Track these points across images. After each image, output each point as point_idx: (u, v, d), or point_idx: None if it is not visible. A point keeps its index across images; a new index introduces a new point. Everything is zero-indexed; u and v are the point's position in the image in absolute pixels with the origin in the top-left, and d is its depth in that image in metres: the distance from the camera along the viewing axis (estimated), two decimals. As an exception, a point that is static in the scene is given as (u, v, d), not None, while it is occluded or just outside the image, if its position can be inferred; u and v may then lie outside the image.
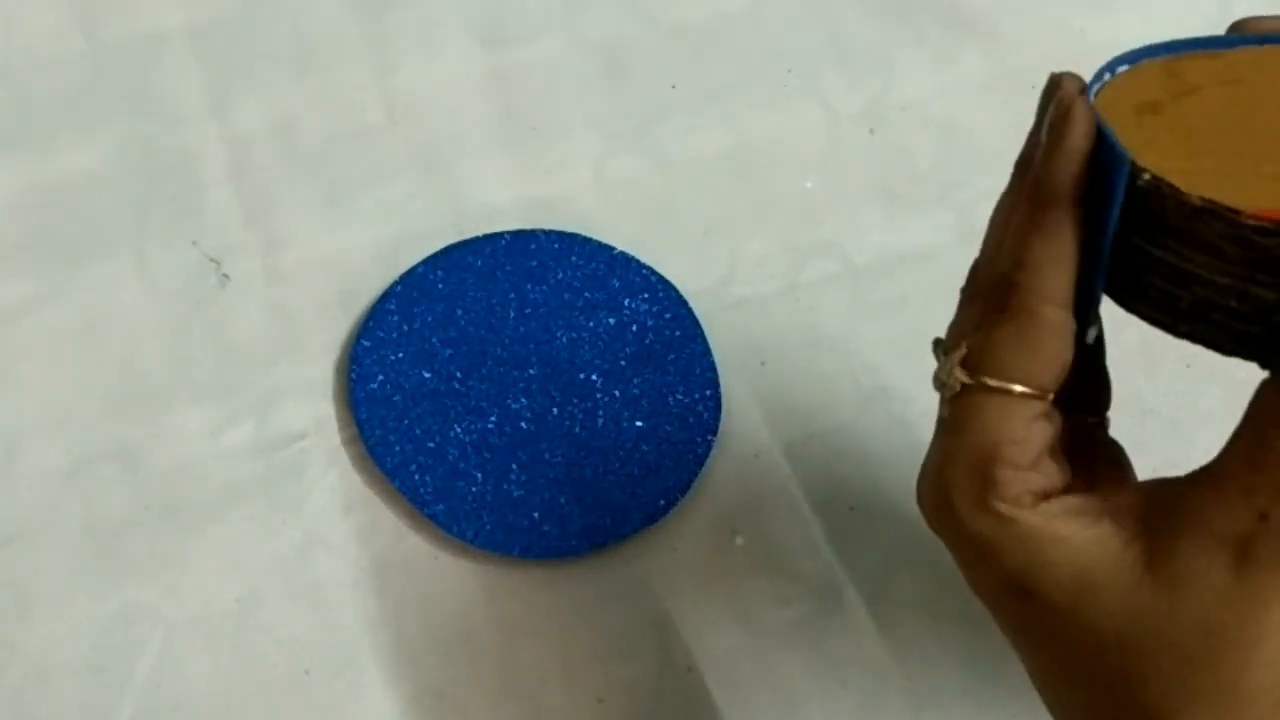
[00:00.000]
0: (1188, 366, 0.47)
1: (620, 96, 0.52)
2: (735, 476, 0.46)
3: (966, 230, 0.48)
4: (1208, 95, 0.29)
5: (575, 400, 0.45)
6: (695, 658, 0.43)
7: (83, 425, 0.45)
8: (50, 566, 0.43)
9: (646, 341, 0.47)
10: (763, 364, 0.47)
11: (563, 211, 0.49)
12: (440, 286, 0.47)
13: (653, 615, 0.44)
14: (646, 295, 0.47)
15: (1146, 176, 0.26)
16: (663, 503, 0.44)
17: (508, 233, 0.48)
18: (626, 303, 0.47)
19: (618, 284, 0.47)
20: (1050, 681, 0.29)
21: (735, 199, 0.50)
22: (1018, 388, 0.28)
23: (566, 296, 0.47)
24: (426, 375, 0.46)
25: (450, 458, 0.44)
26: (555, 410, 0.45)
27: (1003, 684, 0.43)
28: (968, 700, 0.43)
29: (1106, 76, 0.29)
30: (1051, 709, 0.29)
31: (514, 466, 0.44)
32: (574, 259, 0.48)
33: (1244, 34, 0.30)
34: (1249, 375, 0.26)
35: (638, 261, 0.48)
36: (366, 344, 0.46)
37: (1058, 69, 0.28)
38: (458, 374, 0.46)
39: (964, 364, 0.28)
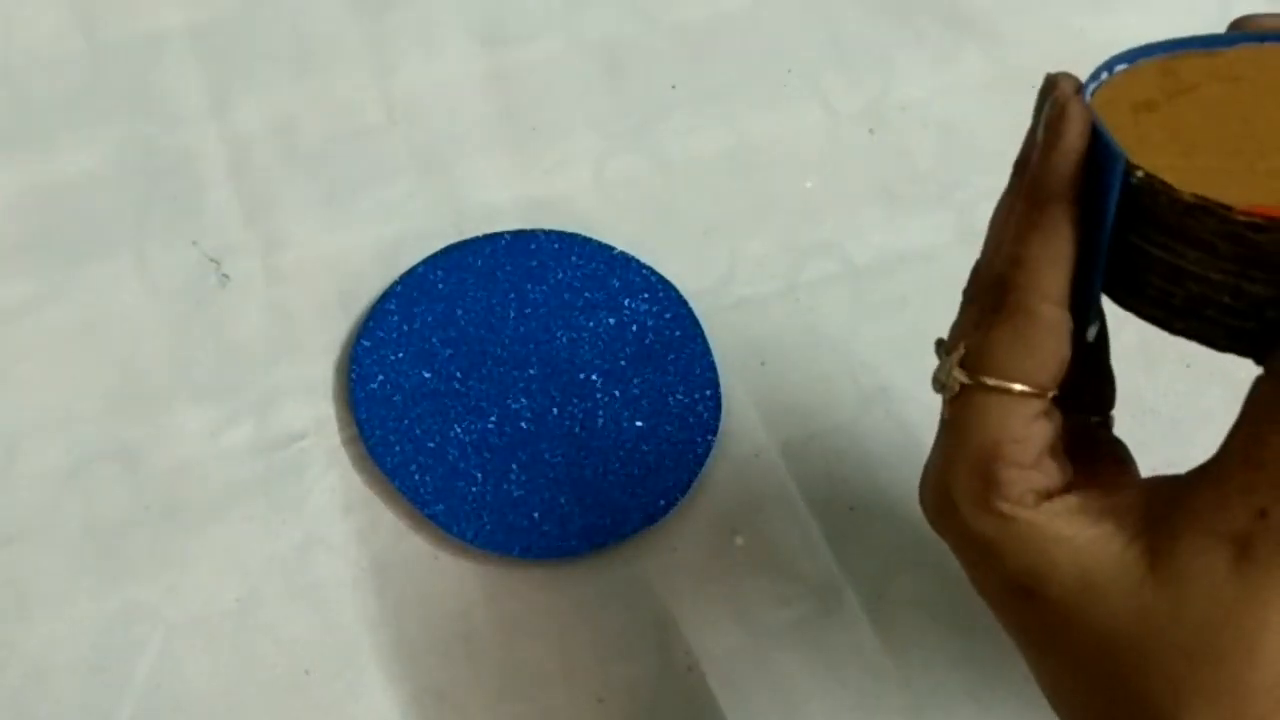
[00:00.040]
0: (1188, 366, 0.47)
1: (620, 96, 0.52)
2: (735, 476, 0.46)
3: (966, 230, 0.48)
4: (1204, 93, 0.29)
5: (575, 400, 0.45)
6: (695, 658, 0.43)
7: (83, 425, 0.45)
8: (50, 566, 0.43)
9: (646, 341, 0.47)
10: (763, 364, 0.47)
11: (563, 211, 0.49)
12: (440, 286, 0.47)
13: (653, 615, 0.44)
14: (646, 295, 0.47)
15: (1140, 174, 0.26)
16: (663, 503, 0.44)
17: (508, 233, 0.48)
18: (626, 303, 0.47)
19: (618, 284, 0.47)
20: (1054, 681, 0.29)
21: (735, 199, 0.50)
22: (1017, 386, 0.28)
23: (566, 296, 0.47)
24: (426, 375, 0.46)
25: (450, 458, 0.44)
26: (555, 410, 0.45)
27: (1003, 684, 0.43)
28: (968, 700, 0.43)
29: (1104, 75, 0.29)
30: (1056, 709, 0.29)
31: (514, 466, 0.44)
32: (574, 259, 0.48)
33: (1244, 31, 0.30)
34: (1249, 374, 0.26)
35: (638, 261, 0.48)
36: (366, 344, 0.46)
37: (1058, 69, 0.29)
38: (458, 374, 0.46)
39: (963, 364, 0.28)
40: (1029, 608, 0.28)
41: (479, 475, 0.44)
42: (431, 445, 0.44)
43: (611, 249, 0.48)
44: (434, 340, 0.46)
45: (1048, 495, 0.28)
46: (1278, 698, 0.26)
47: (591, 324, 0.47)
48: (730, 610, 0.44)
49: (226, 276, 0.48)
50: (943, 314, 0.30)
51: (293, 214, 0.49)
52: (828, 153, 0.51)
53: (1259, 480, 0.25)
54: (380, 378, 0.45)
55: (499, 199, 0.50)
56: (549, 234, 0.48)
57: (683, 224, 0.50)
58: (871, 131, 0.52)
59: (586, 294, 0.47)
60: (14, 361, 0.46)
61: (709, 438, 0.45)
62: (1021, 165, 0.29)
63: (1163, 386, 0.47)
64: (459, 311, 0.47)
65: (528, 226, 0.48)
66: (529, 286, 0.47)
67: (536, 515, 0.44)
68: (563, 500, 0.44)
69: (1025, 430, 0.28)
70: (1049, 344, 0.27)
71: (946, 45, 0.53)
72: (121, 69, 0.51)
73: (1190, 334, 0.27)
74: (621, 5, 0.53)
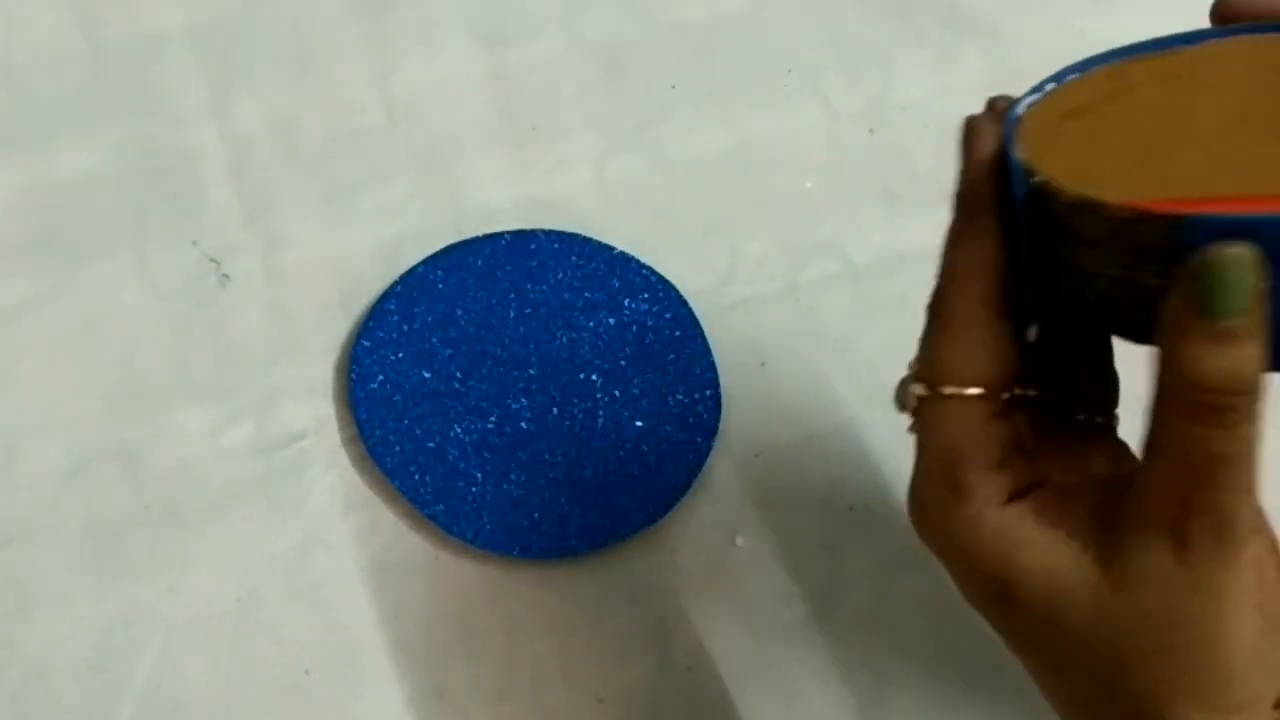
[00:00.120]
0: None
1: (620, 96, 0.52)
2: (735, 476, 0.46)
3: (966, 230, 0.48)
4: (1140, 95, 0.30)
5: (575, 400, 0.45)
6: (695, 658, 0.43)
7: (83, 425, 0.45)
8: (50, 566, 0.43)
9: (646, 341, 0.47)
10: (763, 364, 0.47)
11: (563, 211, 0.49)
12: (440, 286, 0.47)
13: (653, 615, 0.44)
14: (646, 295, 0.47)
15: (1035, 179, 0.27)
16: (663, 503, 0.44)
17: (508, 233, 0.48)
18: (626, 303, 0.47)
19: (618, 284, 0.47)
20: (1044, 679, 0.29)
21: (735, 199, 0.50)
22: (967, 390, 0.28)
23: (566, 296, 0.47)
24: (426, 375, 0.46)
25: (450, 458, 0.44)
26: (555, 410, 0.45)
27: (1003, 683, 0.43)
28: (968, 700, 0.43)
29: (1050, 86, 0.30)
30: (1053, 705, 0.29)
31: (514, 466, 0.44)
32: (574, 259, 0.48)
33: (1229, 11, 0.30)
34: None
35: (638, 261, 0.48)
36: (366, 344, 0.46)
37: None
38: (458, 374, 0.46)
39: (918, 379, 0.29)
40: (1009, 612, 0.28)
41: (479, 475, 0.44)
42: (431, 445, 0.44)
43: (611, 249, 0.48)
44: (434, 340, 0.46)
45: (1015, 496, 0.28)
46: (1256, 685, 0.26)
47: (591, 324, 0.47)
48: (730, 610, 0.44)
49: (226, 276, 0.48)
50: (943, 314, 0.30)
51: (293, 214, 0.49)
52: (828, 153, 0.51)
53: (1173, 469, 0.26)
54: (380, 378, 0.45)
55: (499, 199, 0.50)
56: (549, 234, 0.48)
57: (683, 224, 0.50)
58: (871, 131, 0.52)
59: (586, 294, 0.47)
60: (14, 361, 0.46)
61: (709, 438, 0.45)
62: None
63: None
64: (459, 311, 0.47)
65: (528, 226, 0.48)
66: (529, 286, 0.47)
67: (536, 515, 0.44)
68: (563, 500, 0.44)
69: (983, 431, 0.28)
70: (986, 346, 0.29)
71: (946, 45, 0.53)
72: (121, 69, 0.51)
73: (1111, 330, 0.28)
74: (621, 5, 0.53)
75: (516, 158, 0.51)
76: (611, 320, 0.47)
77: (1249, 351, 0.25)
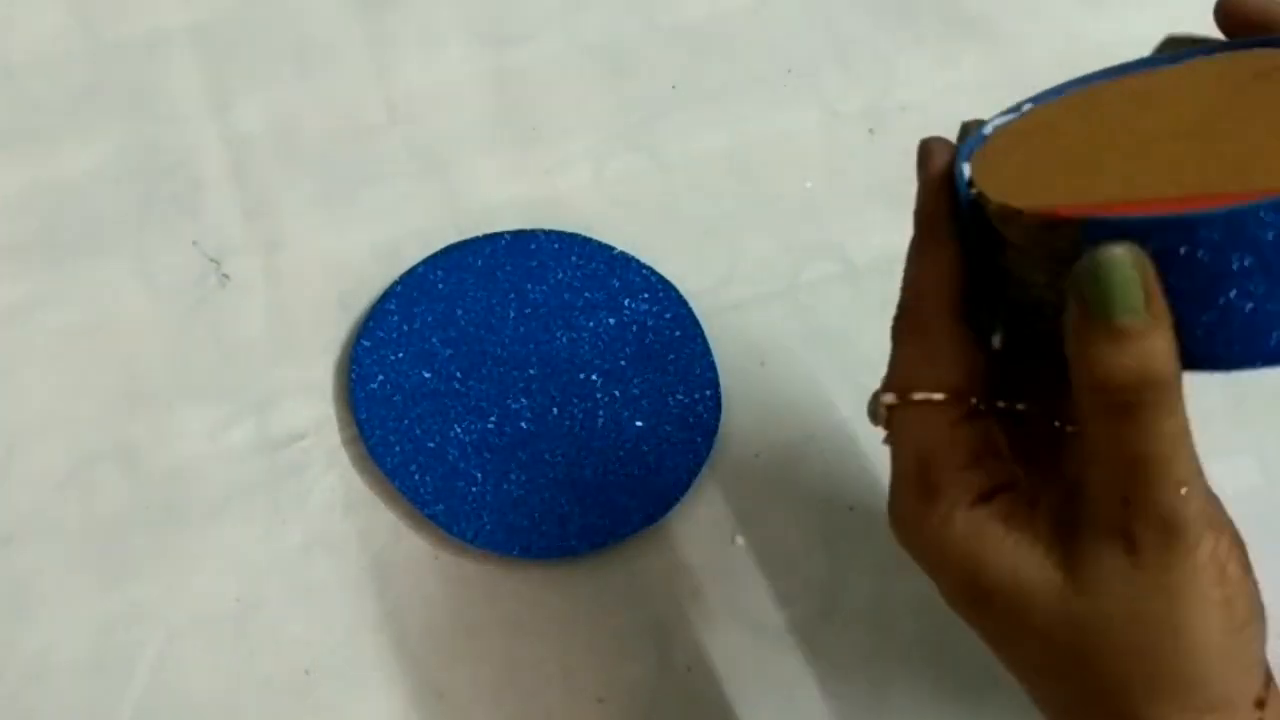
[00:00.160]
0: (1188, 366, 0.47)
1: (620, 96, 0.52)
2: (735, 476, 0.46)
3: (966, 230, 0.48)
4: (1102, 111, 0.30)
5: (575, 400, 0.45)
6: (695, 658, 0.43)
7: (83, 425, 0.45)
8: (50, 566, 0.43)
9: (646, 341, 0.47)
10: (763, 364, 0.47)
11: (563, 211, 0.49)
12: (440, 286, 0.47)
13: (653, 615, 0.44)
14: (646, 295, 0.47)
15: (973, 191, 0.28)
16: (663, 503, 0.44)
17: (508, 233, 0.48)
18: (626, 303, 0.47)
19: (618, 284, 0.47)
20: (1024, 681, 0.30)
21: (735, 199, 0.50)
22: (935, 395, 0.29)
23: (566, 296, 0.47)
24: (426, 375, 0.46)
25: (450, 458, 0.44)
26: (555, 410, 0.45)
27: (1003, 683, 0.43)
28: (968, 700, 0.43)
29: (1027, 107, 0.31)
30: (1037, 706, 0.30)
31: (514, 466, 0.44)
32: (574, 259, 0.48)
33: (1231, 8, 0.30)
34: (1250, 375, 0.26)
35: (638, 261, 0.48)
36: (366, 344, 0.46)
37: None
38: (458, 374, 0.46)
39: (887, 389, 0.30)
40: (984, 613, 0.29)
41: (479, 475, 0.44)
42: (431, 445, 0.44)
43: (611, 249, 0.48)
44: (434, 340, 0.46)
45: (984, 496, 0.29)
46: (1230, 683, 0.27)
47: (591, 324, 0.47)
48: (730, 610, 0.44)
49: (226, 276, 0.48)
50: (943, 314, 0.30)
51: (293, 214, 0.49)
52: (828, 153, 0.51)
53: (1107, 472, 0.26)
54: (380, 378, 0.45)
55: (499, 199, 0.50)
56: (549, 234, 0.48)
57: (683, 224, 0.50)
58: (871, 131, 0.52)
59: (586, 294, 0.47)
60: (14, 361, 0.46)
61: (709, 438, 0.45)
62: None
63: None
64: (459, 311, 0.47)
65: (528, 226, 0.48)
66: (529, 286, 0.47)
67: (536, 515, 0.44)
68: (563, 500, 0.44)
69: (951, 435, 0.29)
70: (949, 352, 0.29)
71: (947, 46, 0.53)
72: (121, 69, 0.51)
73: (1048, 337, 0.28)
74: (621, 5, 0.53)
75: (516, 158, 0.51)
76: (611, 320, 0.47)
77: (1151, 347, 0.25)
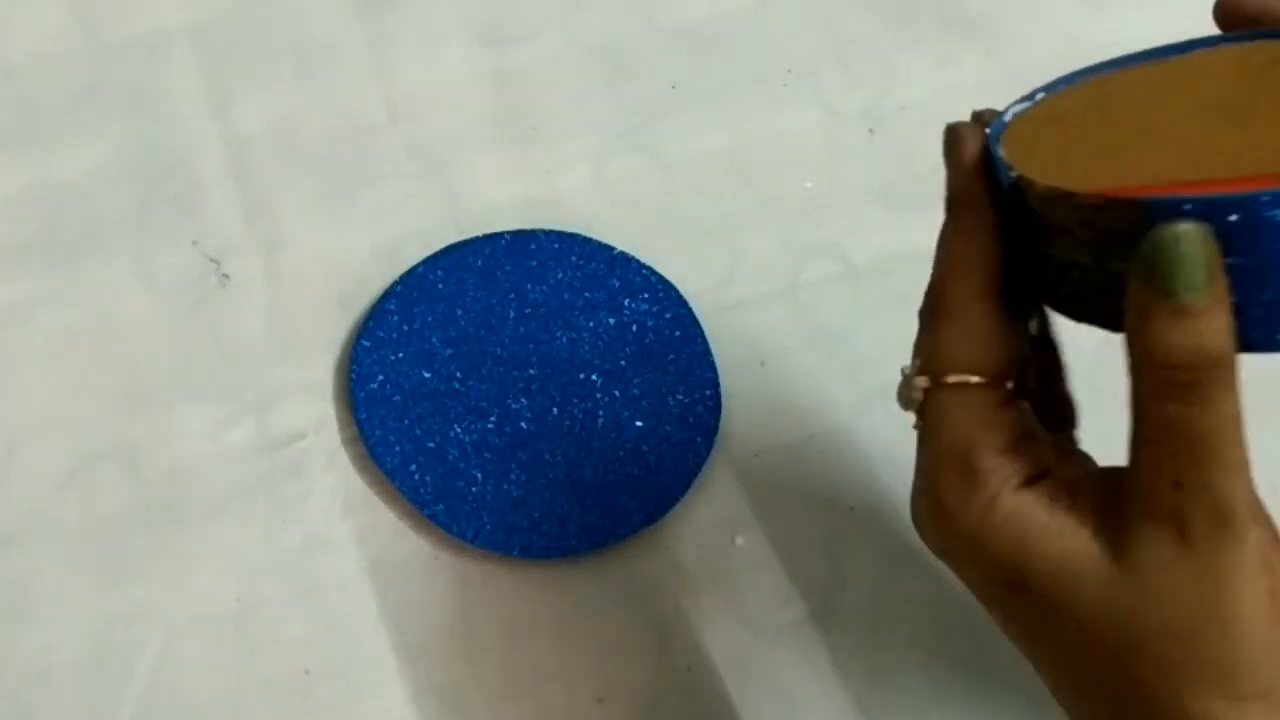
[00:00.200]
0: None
1: (620, 96, 0.52)
2: (735, 476, 0.46)
3: (966, 230, 0.48)
4: (1122, 99, 0.31)
5: (575, 400, 0.45)
6: (695, 658, 0.43)
7: (83, 425, 0.45)
8: (50, 566, 0.43)
9: (646, 341, 0.47)
10: (763, 364, 0.47)
11: (563, 211, 0.49)
12: (440, 286, 0.47)
13: (653, 615, 0.44)
14: (646, 295, 0.47)
15: (1014, 174, 0.28)
16: (663, 503, 0.44)
17: (508, 233, 0.48)
18: (626, 303, 0.47)
19: (618, 284, 0.47)
20: (1054, 674, 0.29)
21: (735, 199, 0.50)
22: (973, 378, 0.29)
23: (566, 296, 0.47)
24: (426, 375, 0.46)
25: (450, 458, 0.44)
26: (555, 410, 0.45)
27: (1004, 683, 0.43)
28: (969, 700, 0.43)
29: (1040, 95, 0.31)
30: (1058, 699, 0.29)
31: (514, 466, 0.44)
32: (574, 259, 0.48)
33: (1229, 6, 0.31)
34: (1250, 374, 0.26)
35: (638, 261, 0.48)
36: (366, 344, 0.46)
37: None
38: (458, 374, 0.46)
39: (921, 373, 0.30)
40: (1021, 602, 0.28)
41: (479, 475, 0.44)
42: (431, 445, 0.44)
43: (611, 249, 0.48)
44: (434, 340, 0.46)
45: (1027, 481, 0.28)
46: (1273, 671, 0.26)
47: (591, 324, 0.47)
48: (730, 610, 0.44)
49: (226, 276, 0.48)
50: (943, 314, 0.30)
51: (293, 214, 0.49)
52: (828, 153, 0.51)
53: (1160, 453, 0.26)
54: (380, 378, 0.45)
55: (499, 199, 0.50)
56: (549, 234, 0.48)
57: (683, 224, 0.50)
58: (871, 131, 0.52)
59: (586, 294, 0.47)
60: (14, 361, 0.46)
61: (709, 438, 0.45)
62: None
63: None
64: (459, 311, 0.47)
65: (528, 226, 0.48)
66: (529, 286, 0.47)
67: (536, 515, 0.44)
68: (563, 500, 0.44)
69: (995, 416, 0.29)
70: (987, 334, 0.29)
71: (946, 46, 0.53)
72: (121, 69, 0.51)
73: (1088, 319, 0.28)
74: (621, 5, 0.53)
75: (516, 158, 0.51)
76: (611, 320, 0.47)
77: (1213, 325, 0.25)
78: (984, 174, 0.29)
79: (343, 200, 0.49)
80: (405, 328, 0.46)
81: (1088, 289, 0.27)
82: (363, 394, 0.45)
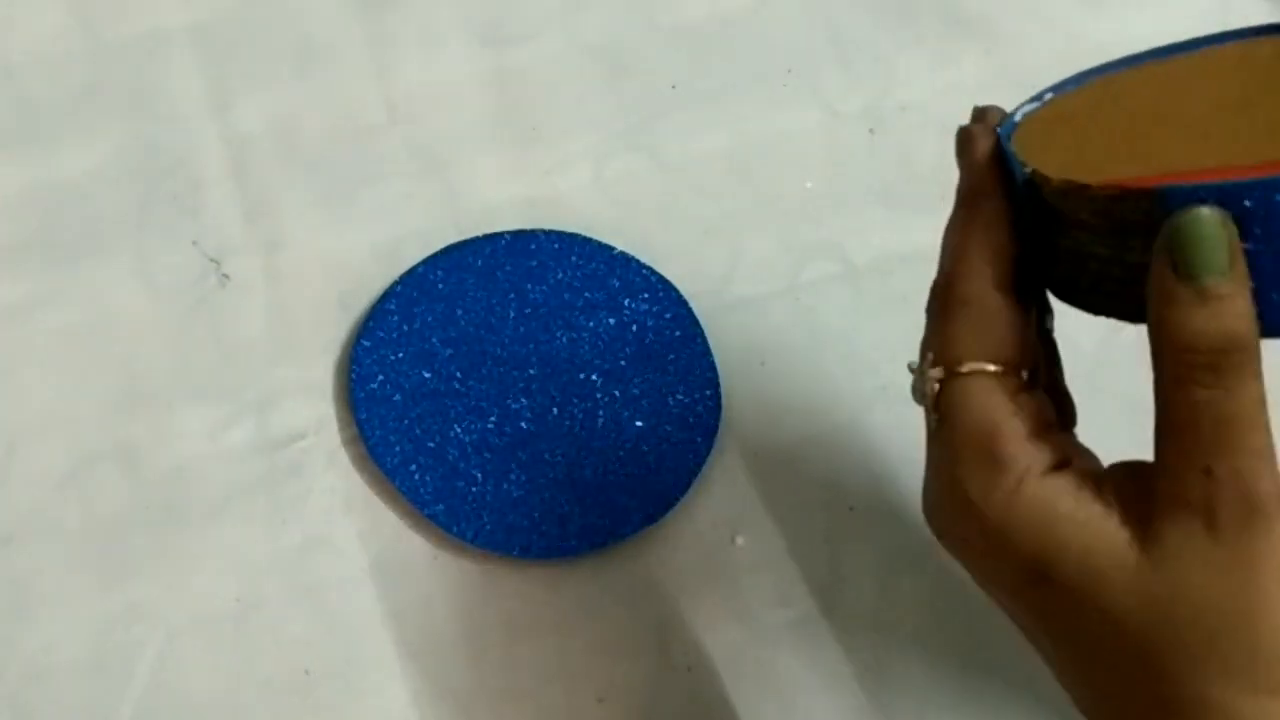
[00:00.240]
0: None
1: (620, 96, 0.52)
2: (735, 476, 0.46)
3: (966, 230, 0.48)
4: (1131, 97, 0.31)
5: (575, 400, 0.45)
6: (695, 657, 0.43)
7: (83, 425, 0.45)
8: (50, 566, 0.43)
9: (646, 341, 0.47)
10: (763, 364, 0.47)
11: (563, 211, 0.49)
12: (440, 286, 0.47)
13: (653, 615, 0.44)
14: (646, 295, 0.47)
15: (1028, 169, 0.28)
16: (663, 503, 0.44)
17: (508, 233, 0.48)
18: (626, 303, 0.47)
19: (618, 284, 0.47)
20: (1074, 667, 0.29)
21: (735, 199, 0.50)
22: (991, 366, 0.29)
23: (566, 296, 0.47)
24: (426, 375, 0.46)
25: (450, 458, 0.44)
26: (555, 410, 0.45)
27: (1004, 683, 0.43)
28: (970, 700, 0.43)
29: (1049, 96, 0.31)
30: (1076, 696, 0.29)
31: (514, 466, 0.44)
32: (574, 259, 0.48)
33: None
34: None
35: (638, 261, 0.48)
36: (366, 344, 0.46)
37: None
38: (458, 374, 0.46)
39: (934, 365, 0.29)
40: (1044, 595, 0.28)
41: (479, 475, 0.44)
42: (431, 445, 0.44)
43: (611, 249, 0.48)
44: (434, 340, 0.46)
45: (1051, 469, 0.28)
46: None
47: (591, 324, 0.47)
48: (730, 610, 0.44)
49: (226, 276, 0.48)
50: (943, 314, 0.30)
51: (293, 214, 0.49)
52: (828, 153, 0.51)
53: (1189, 442, 0.26)
54: (380, 378, 0.45)
55: (499, 199, 0.50)
56: (549, 234, 0.48)
57: (683, 224, 0.50)
58: (871, 131, 0.52)
59: (586, 294, 0.47)
60: (14, 361, 0.46)
61: (709, 438, 0.45)
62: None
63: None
64: (459, 311, 0.47)
65: (528, 226, 0.48)
66: (529, 286, 0.47)
67: (536, 515, 0.44)
68: (563, 500, 0.44)
69: (1014, 404, 0.28)
70: (1001, 323, 0.29)
71: (946, 46, 0.53)
72: (121, 69, 0.51)
73: (1107, 312, 0.28)
74: (621, 5, 0.53)
75: (516, 158, 0.51)
76: (611, 320, 0.47)
77: (1235, 308, 0.25)
78: (996, 171, 0.29)
79: (343, 200, 0.49)
80: (405, 328, 0.46)
81: (1105, 281, 0.28)
82: (363, 394, 0.45)
